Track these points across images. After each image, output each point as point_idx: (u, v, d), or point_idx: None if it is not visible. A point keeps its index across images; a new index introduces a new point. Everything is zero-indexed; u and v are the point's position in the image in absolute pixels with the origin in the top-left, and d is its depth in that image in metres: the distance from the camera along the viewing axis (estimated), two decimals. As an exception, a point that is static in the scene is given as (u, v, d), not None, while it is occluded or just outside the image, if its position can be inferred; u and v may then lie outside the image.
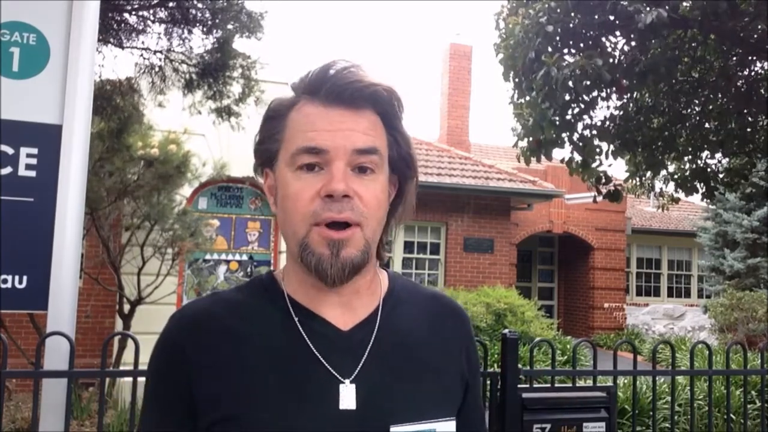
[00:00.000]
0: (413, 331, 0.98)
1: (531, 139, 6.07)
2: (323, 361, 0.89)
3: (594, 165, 6.42)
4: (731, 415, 3.79)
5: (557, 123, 5.83)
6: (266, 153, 0.95)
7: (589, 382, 3.30)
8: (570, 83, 5.24)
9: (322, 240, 0.87)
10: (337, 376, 0.88)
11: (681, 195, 7.92)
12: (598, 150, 6.39)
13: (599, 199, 7.05)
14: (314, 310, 0.93)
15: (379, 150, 0.91)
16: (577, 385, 2.85)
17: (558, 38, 5.60)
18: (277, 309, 0.94)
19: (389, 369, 0.92)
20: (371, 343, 0.92)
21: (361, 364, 0.90)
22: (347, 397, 0.88)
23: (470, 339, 1.06)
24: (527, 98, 5.97)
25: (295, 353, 0.90)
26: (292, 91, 0.95)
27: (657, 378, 3.42)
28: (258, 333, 0.92)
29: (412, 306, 1.01)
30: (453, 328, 1.03)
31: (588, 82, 5.39)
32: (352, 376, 0.89)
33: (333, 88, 0.89)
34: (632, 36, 5.63)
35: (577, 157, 6.44)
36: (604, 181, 6.65)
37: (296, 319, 0.92)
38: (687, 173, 7.20)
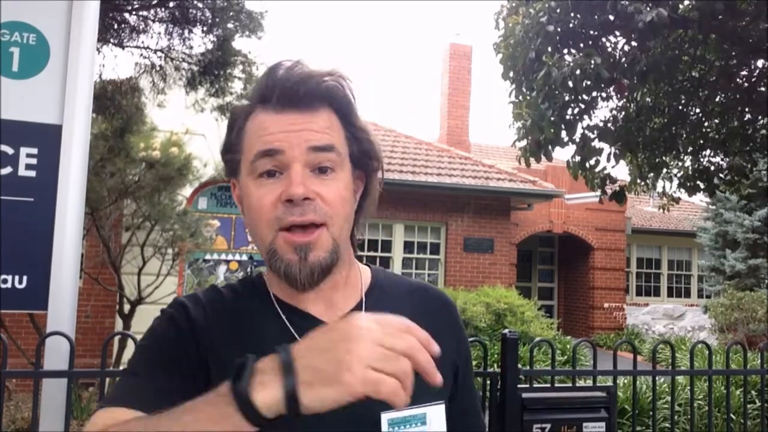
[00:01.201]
0: None
1: (531, 139, 6.06)
2: None
3: (595, 167, 6.41)
4: (731, 415, 3.78)
5: (557, 123, 5.82)
6: (230, 163, 0.96)
7: (589, 382, 3.29)
8: (570, 83, 5.23)
9: (288, 246, 0.88)
10: None
11: (683, 195, 7.91)
12: (599, 151, 6.38)
13: (605, 199, 7.04)
14: (300, 308, 0.95)
15: (336, 147, 0.91)
16: (577, 385, 2.85)
17: (558, 38, 5.60)
18: (266, 307, 0.96)
19: None
20: None
21: None
22: None
23: (459, 326, 1.07)
24: (527, 98, 5.96)
25: None
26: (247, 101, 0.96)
27: (657, 378, 3.41)
28: (250, 331, 0.94)
29: (398, 297, 1.02)
30: (441, 317, 1.04)
31: (588, 82, 5.38)
32: None
33: (284, 92, 0.89)
34: (632, 35, 5.63)
35: (577, 158, 6.43)
36: (608, 182, 6.65)
37: (284, 316, 0.94)
38: (689, 172, 7.19)
